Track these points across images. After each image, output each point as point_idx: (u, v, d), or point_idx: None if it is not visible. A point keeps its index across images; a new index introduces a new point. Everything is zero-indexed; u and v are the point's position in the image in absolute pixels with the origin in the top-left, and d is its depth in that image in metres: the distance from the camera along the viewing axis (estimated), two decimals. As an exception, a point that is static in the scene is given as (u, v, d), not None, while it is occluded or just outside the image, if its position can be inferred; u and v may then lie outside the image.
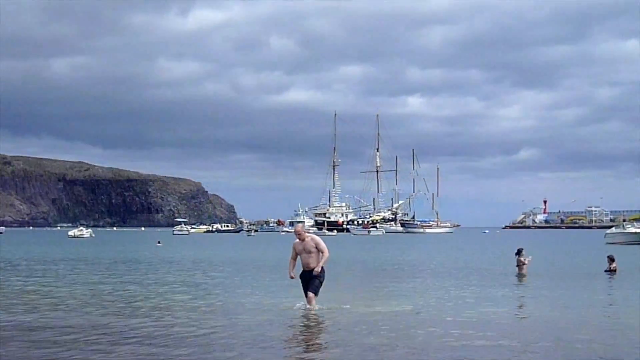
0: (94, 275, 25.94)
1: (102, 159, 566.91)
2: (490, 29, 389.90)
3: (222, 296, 18.38)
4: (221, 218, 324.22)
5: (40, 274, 26.54)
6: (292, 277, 15.19)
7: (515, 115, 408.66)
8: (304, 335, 12.30)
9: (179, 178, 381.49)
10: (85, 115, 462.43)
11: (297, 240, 14.89)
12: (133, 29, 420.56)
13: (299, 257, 14.89)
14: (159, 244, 62.50)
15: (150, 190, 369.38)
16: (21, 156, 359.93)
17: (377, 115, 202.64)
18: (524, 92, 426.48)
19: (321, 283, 14.80)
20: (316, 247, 14.66)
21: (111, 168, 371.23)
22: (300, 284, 15.08)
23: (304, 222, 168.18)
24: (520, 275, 25.51)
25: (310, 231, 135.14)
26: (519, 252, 26.81)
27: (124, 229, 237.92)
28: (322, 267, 14.71)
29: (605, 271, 26.65)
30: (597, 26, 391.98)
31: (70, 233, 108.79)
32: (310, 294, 14.71)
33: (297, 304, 15.16)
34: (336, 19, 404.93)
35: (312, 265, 14.60)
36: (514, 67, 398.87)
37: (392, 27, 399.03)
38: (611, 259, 26.97)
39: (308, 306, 14.74)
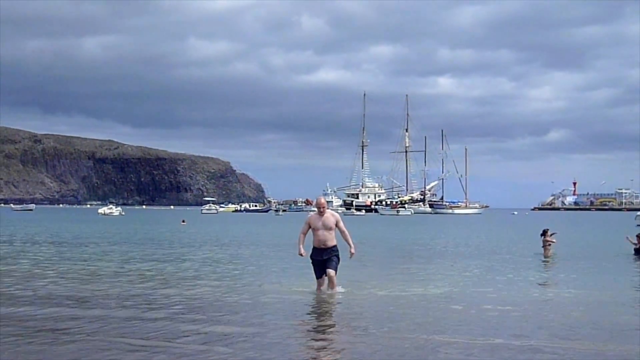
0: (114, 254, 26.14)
1: (131, 138, 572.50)
2: (522, 9, 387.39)
3: (239, 278, 17.67)
4: (250, 197, 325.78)
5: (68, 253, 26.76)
6: (302, 255, 14.03)
7: (546, 96, 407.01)
8: (323, 321, 11.68)
9: (208, 157, 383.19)
10: (116, 94, 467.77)
11: (314, 214, 13.89)
12: (164, 8, 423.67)
13: (310, 233, 13.87)
14: (183, 223, 62.77)
15: (179, 169, 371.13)
16: (51, 134, 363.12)
17: (407, 95, 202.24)
18: (554, 73, 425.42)
19: (339, 260, 13.82)
20: (336, 225, 13.73)
21: (140, 146, 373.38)
22: (312, 265, 14.02)
23: (331, 200, 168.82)
24: (546, 257, 25.41)
25: (339, 211, 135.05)
26: (544, 233, 26.83)
27: (153, 207, 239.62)
28: (336, 244, 13.76)
29: (635, 249, 26.35)
30: (629, 7, 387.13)
31: (100, 211, 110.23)
32: (331, 272, 13.68)
33: (313, 288, 14.23)
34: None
35: (329, 244, 13.60)
36: (545, 47, 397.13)
37: (422, 7, 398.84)
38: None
39: (324, 290, 13.84)
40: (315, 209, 14.06)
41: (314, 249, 13.82)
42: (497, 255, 27.28)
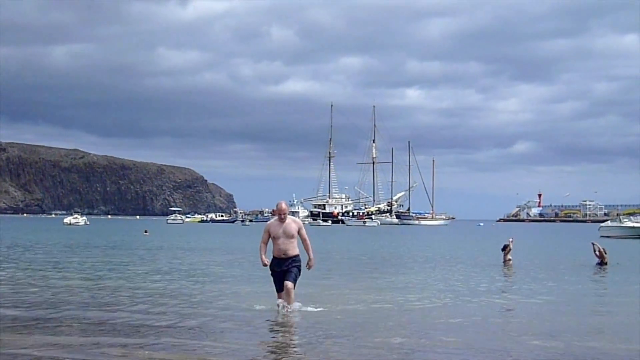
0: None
1: (98, 147, 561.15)
2: (490, 21, 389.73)
3: (195, 295, 16.02)
4: (220, 207, 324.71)
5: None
6: (266, 264, 12.74)
7: (513, 109, 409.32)
8: (282, 341, 10.66)
9: (175, 167, 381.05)
10: (83, 103, 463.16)
11: (274, 221, 12.71)
12: (133, 17, 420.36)
13: (271, 243, 12.77)
14: (146, 234, 62.15)
15: (145, 178, 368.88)
16: (16, 143, 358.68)
17: (374, 106, 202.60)
18: (522, 85, 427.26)
19: (299, 271, 12.76)
20: (298, 232, 12.66)
21: (106, 156, 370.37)
22: (272, 277, 12.91)
23: (297, 211, 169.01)
24: (508, 267, 26.08)
25: (306, 222, 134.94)
26: (504, 248, 27.50)
27: (119, 217, 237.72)
28: (298, 254, 12.67)
29: (597, 263, 26.72)
30: (596, 20, 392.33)
31: (66, 220, 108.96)
32: (289, 284, 12.55)
33: (267, 306, 13.31)
34: (336, 10, 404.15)
35: (290, 253, 12.53)
36: (513, 60, 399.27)
37: (392, 19, 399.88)
38: (604, 251, 27.07)
39: (281, 302, 12.71)
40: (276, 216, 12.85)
41: (274, 259, 12.69)
42: (461, 265, 27.43)
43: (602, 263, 26.62)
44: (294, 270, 12.63)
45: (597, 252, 27.15)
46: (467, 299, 16.01)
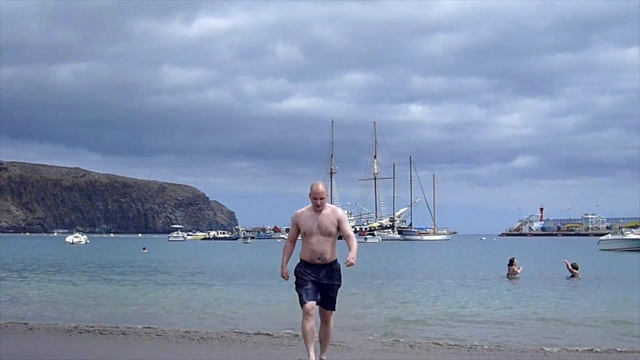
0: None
1: (101, 166, 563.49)
2: (493, 37, 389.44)
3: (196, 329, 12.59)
4: (222, 225, 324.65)
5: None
6: (286, 277, 8.68)
7: (516, 123, 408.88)
8: None
9: (177, 184, 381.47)
10: (86, 122, 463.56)
11: (306, 210, 8.58)
12: (137, 36, 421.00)
13: (301, 241, 8.64)
14: (144, 251, 62.08)
15: (147, 196, 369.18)
16: (17, 162, 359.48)
17: (375, 122, 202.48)
18: (524, 100, 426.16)
19: (340, 285, 8.72)
20: (338, 226, 8.49)
21: (108, 174, 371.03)
22: (297, 286, 8.54)
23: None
24: (512, 279, 26.84)
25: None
26: (511, 262, 27.76)
27: (120, 236, 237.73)
28: (337, 259, 8.59)
29: (569, 277, 27.71)
30: (598, 34, 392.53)
31: (68, 239, 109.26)
32: (329, 315, 8.64)
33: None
34: (340, 27, 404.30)
35: (328, 258, 8.46)
36: (516, 75, 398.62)
37: (395, 35, 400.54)
38: (574, 267, 28.20)
39: (309, 328, 8.34)
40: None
41: (304, 263, 8.55)
42: (467, 279, 27.67)
43: (573, 276, 27.59)
44: (336, 289, 8.67)
45: (569, 269, 28.18)
46: (477, 306, 16.22)
